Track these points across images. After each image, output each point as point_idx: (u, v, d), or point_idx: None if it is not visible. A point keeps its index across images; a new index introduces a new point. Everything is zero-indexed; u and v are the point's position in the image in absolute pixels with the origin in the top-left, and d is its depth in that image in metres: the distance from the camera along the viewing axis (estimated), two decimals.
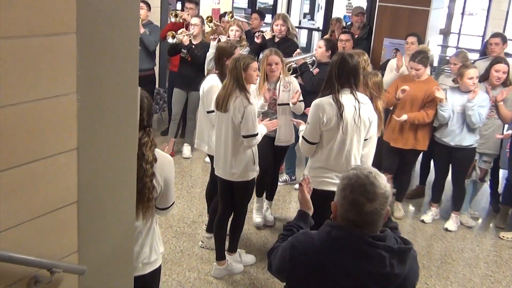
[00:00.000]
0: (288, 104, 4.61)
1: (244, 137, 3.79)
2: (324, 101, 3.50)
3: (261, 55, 6.03)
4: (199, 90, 4.43)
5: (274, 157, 4.79)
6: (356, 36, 6.70)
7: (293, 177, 5.96)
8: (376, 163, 4.02)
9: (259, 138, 3.86)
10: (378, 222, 1.92)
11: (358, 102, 3.51)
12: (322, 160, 3.61)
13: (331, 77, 3.52)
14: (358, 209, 1.87)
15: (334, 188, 3.95)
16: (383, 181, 1.91)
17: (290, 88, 4.63)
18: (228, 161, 3.90)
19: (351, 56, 3.57)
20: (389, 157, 5.27)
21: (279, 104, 4.61)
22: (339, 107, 3.45)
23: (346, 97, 3.50)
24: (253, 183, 4.04)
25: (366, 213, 1.87)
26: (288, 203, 5.51)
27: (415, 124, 5.06)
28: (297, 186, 5.81)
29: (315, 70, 5.26)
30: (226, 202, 4.09)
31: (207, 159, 6.10)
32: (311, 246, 1.97)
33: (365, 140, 3.65)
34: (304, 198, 2.53)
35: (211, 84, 4.27)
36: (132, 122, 1.95)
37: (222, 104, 3.80)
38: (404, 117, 4.99)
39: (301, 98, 4.62)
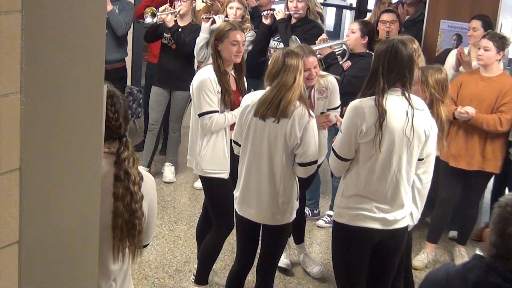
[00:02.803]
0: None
1: (302, 165, 3.73)
2: (365, 104, 3.49)
3: (272, 42, 6.06)
4: (187, 89, 4.44)
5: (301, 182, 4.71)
6: (407, 17, 6.71)
7: (315, 211, 5.93)
8: (432, 191, 4.00)
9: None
10: None
11: (412, 107, 3.48)
12: (358, 184, 3.59)
13: (377, 72, 3.51)
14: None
15: (375, 225, 3.83)
16: None
17: (327, 94, 4.63)
18: (267, 197, 3.77)
19: (404, 43, 3.56)
20: (448, 182, 5.22)
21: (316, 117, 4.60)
22: (381, 114, 3.42)
23: (395, 100, 3.47)
24: (290, 226, 3.98)
25: None
26: (308, 245, 5.49)
27: (483, 136, 5.02)
28: (321, 222, 5.80)
29: (346, 64, 5.27)
30: (250, 253, 4.04)
31: (198, 183, 6.10)
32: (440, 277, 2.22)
33: (419, 160, 3.63)
34: None
35: (203, 78, 4.25)
36: (96, 133, 1.96)
37: (277, 107, 3.65)
38: (471, 110, 4.87)
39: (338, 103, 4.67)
